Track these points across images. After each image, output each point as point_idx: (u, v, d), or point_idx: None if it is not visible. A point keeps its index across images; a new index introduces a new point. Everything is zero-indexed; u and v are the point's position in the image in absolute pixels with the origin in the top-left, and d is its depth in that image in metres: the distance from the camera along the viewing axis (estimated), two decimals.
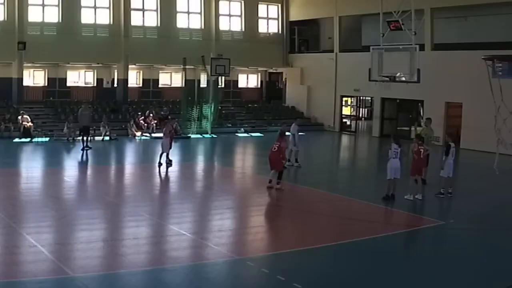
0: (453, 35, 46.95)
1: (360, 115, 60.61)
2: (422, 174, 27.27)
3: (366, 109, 62.25)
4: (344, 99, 57.93)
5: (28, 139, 43.32)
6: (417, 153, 26.44)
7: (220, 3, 57.37)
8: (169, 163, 33.71)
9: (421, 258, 18.99)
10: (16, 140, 43.20)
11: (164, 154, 33.64)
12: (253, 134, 52.23)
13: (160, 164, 33.31)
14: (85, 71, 54.05)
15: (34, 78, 52.05)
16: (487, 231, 22.58)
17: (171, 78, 58.03)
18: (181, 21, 55.62)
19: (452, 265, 17.90)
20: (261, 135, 51.44)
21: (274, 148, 28.30)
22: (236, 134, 51.77)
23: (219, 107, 53.91)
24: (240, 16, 58.94)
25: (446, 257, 18.72)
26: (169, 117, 43.55)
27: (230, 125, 53.65)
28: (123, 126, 47.84)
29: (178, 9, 55.29)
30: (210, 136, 49.37)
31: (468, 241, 21.14)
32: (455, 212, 25.20)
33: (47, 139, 43.97)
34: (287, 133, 31.70)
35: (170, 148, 34.12)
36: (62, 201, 25.46)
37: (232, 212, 25.04)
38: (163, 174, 32.57)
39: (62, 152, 39.98)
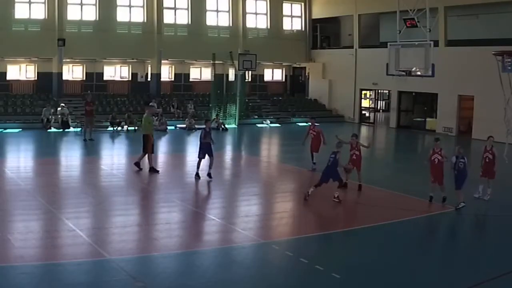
0: (465, 32, 46.65)
1: (378, 107, 60.53)
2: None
3: (384, 102, 62.19)
4: (363, 92, 57.83)
5: (67, 130, 43.55)
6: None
7: (247, 2, 57.33)
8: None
9: (433, 243, 19.09)
10: (55, 131, 43.42)
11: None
12: (278, 125, 52.19)
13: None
14: (121, 66, 54.16)
15: (73, 72, 52.20)
16: (497, 216, 22.55)
17: (201, 72, 58.06)
18: (210, 19, 55.55)
19: (462, 249, 17.89)
20: (284, 125, 51.46)
21: (312, 135, 28.83)
22: (261, 125, 51.72)
23: (246, 100, 54.00)
24: (266, 14, 58.81)
25: (458, 241, 18.66)
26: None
27: (257, 116, 53.60)
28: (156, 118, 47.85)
29: (207, 7, 55.23)
30: (236, 127, 49.40)
31: (477, 226, 21.11)
32: (466, 199, 24.95)
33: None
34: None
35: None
36: (99, 188, 25.58)
37: (258, 198, 25.04)
38: (193, 164, 32.58)
39: (101, 142, 40.02)
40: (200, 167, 27.17)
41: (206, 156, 27.20)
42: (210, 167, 27.19)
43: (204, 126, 27.62)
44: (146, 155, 28.85)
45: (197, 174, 27.09)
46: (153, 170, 28.50)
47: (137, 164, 28.74)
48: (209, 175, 26.97)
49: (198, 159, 27.23)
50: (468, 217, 22.02)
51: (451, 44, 47.17)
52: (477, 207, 23.42)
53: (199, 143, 27.50)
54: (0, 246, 16.52)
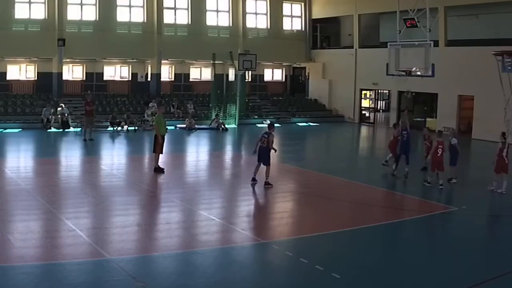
0: (465, 32, 46.73)
1: (378, 107, 60.58)
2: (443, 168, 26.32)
3: (383, 102, 62.22)
4: (363, 92, 57.86)
5: (67, 130, 43.57)
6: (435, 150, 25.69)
7: (247, 2, 57.44)
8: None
9: (434, 243, 19.03)
10: (55, 130, 43.43)
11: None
12: (278, 125, 52.08)
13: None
14: (121, 66, 54.23)
15: (73, 72, 52.27)
16: (497, 216, 22.63)
17: (201, 72, 58.16)
18: (210, 19, 55.66)
19: (463, 249, 17.87)
20: (284, 125, 51.47)
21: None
22: (261, 125, 51.65)
23: (246, 100, 54.02)
24: (266, 14, 58.89)
25: (459, 241, 18.64)
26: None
27: (257, 116, 53.61)
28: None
29: (207, 7, 55.35)
30: (236, 127, 49.42)
31: (479, 226, 21.04)
32: (467, 199, 24.97)
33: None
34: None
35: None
36: (99, 188, 25.55)
37: (258, 198, 24.99)
38: (193, 164, 32.49)
39: (101, 142, 39.98)
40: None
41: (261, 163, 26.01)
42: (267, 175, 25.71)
43: (267, 130, 26.01)
44: (157, 155, 28.74)
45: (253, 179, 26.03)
46: (158, 170, 28.44)
47: (156, 169, 28.50)
48: (266, 183, 25.64)
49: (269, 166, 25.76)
50: (468, 217, 21.96)
51: (451, 44, 47.19)
52: (479, 206, 23.46)
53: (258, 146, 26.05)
54: (0, 246, 16.50)
